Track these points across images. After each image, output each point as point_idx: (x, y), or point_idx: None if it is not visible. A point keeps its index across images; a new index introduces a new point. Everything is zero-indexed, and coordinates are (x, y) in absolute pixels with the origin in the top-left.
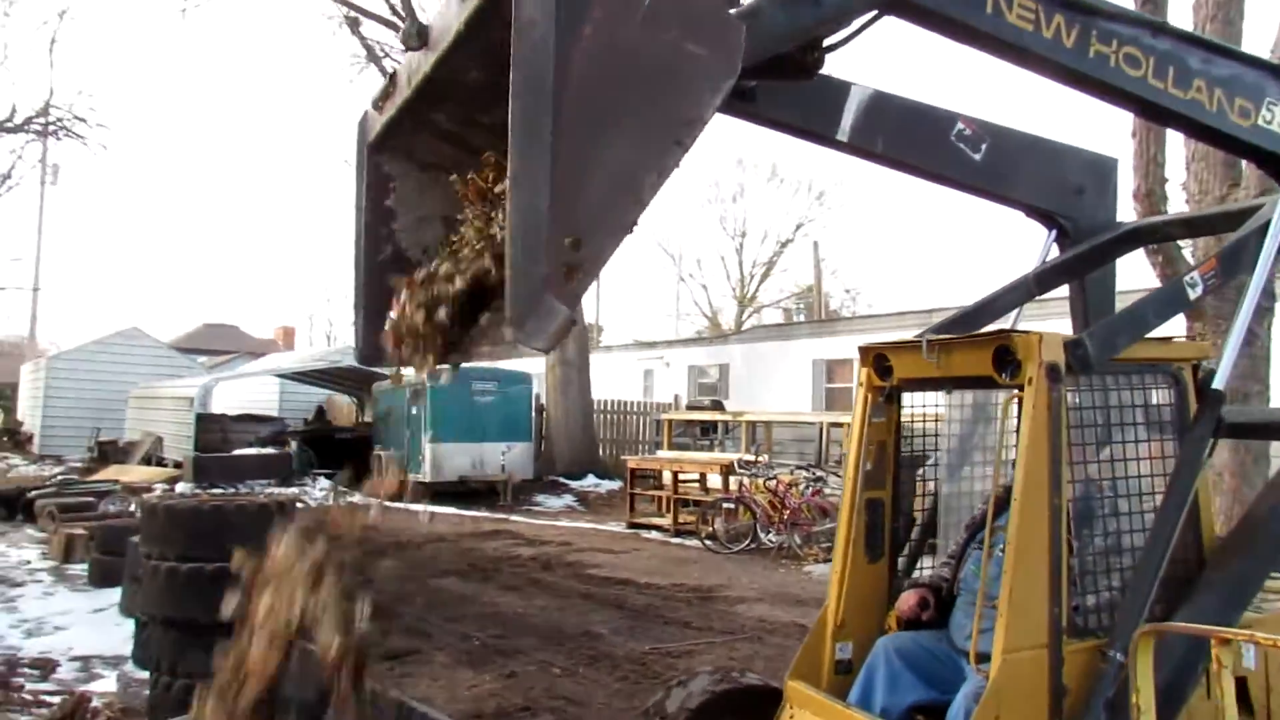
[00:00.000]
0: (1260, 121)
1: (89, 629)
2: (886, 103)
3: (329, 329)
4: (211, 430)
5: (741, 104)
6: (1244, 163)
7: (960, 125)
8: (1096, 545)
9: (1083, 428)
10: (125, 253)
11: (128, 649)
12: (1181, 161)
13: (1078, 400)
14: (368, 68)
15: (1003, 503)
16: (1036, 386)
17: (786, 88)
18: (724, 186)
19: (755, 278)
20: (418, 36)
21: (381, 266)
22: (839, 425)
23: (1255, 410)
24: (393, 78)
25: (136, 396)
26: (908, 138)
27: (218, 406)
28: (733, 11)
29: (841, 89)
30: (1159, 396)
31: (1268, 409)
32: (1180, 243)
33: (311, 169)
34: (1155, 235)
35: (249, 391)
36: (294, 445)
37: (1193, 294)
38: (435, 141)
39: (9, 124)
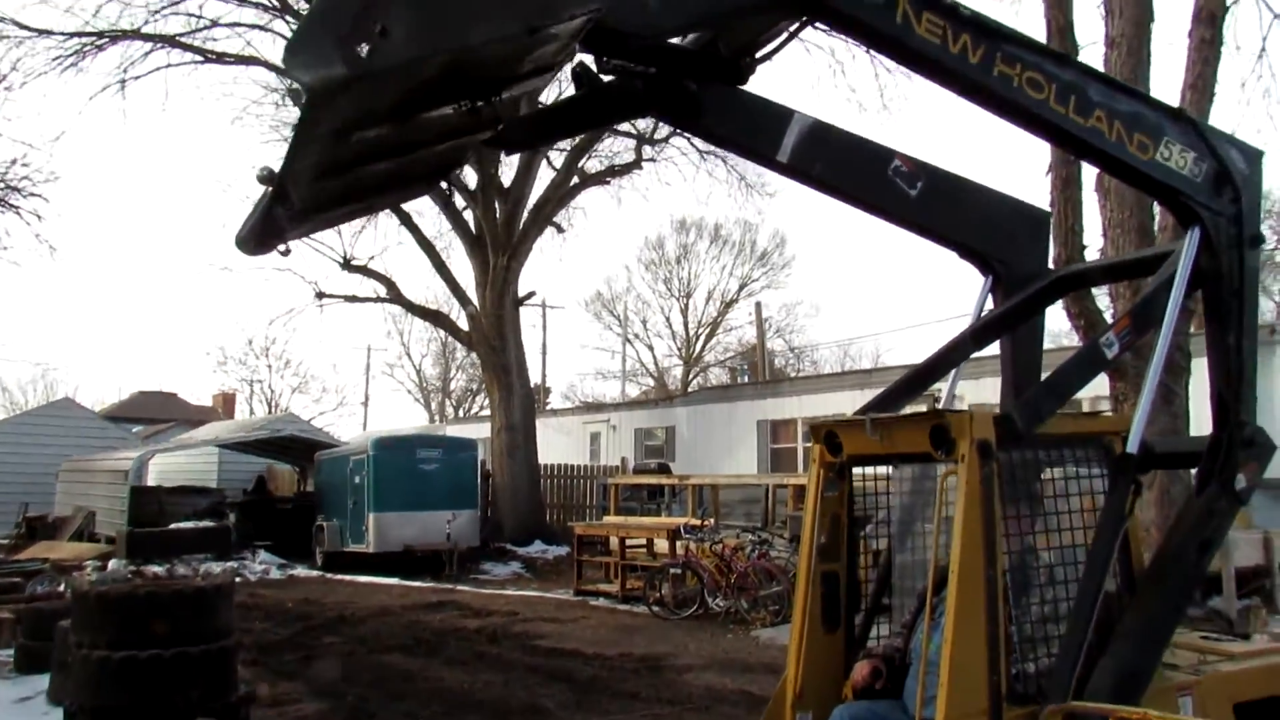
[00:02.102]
0: (1158, 157)
1: (14, 718)
2: (827, 132)
3: (270, 395)
4: (147, 503)
5: (691, 120)
6: (1156, 227)
7: (897, 162)
8: (1034, 613)
9: (1018, 500)
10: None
11: None
12: (1099, 229)
13: (1013, 474)
14: None
15: (944, 574)
16: (969, 463)
17: (734, 108)
18: (669, 248)
19: (700, 338)
20: None
21: None
22: (784, 486)
23: (1175, 440)
24: None
25: (67, 470)
26: (845, 167)
27: (154, 477)
28: None
29: (786, 114)
30: (1091, 469)
31: (1186, 438)
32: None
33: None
34: (1081, 282)
35: (186, 461)
36: (233, 517)
37: (1110, 353)
38: None
39: None
